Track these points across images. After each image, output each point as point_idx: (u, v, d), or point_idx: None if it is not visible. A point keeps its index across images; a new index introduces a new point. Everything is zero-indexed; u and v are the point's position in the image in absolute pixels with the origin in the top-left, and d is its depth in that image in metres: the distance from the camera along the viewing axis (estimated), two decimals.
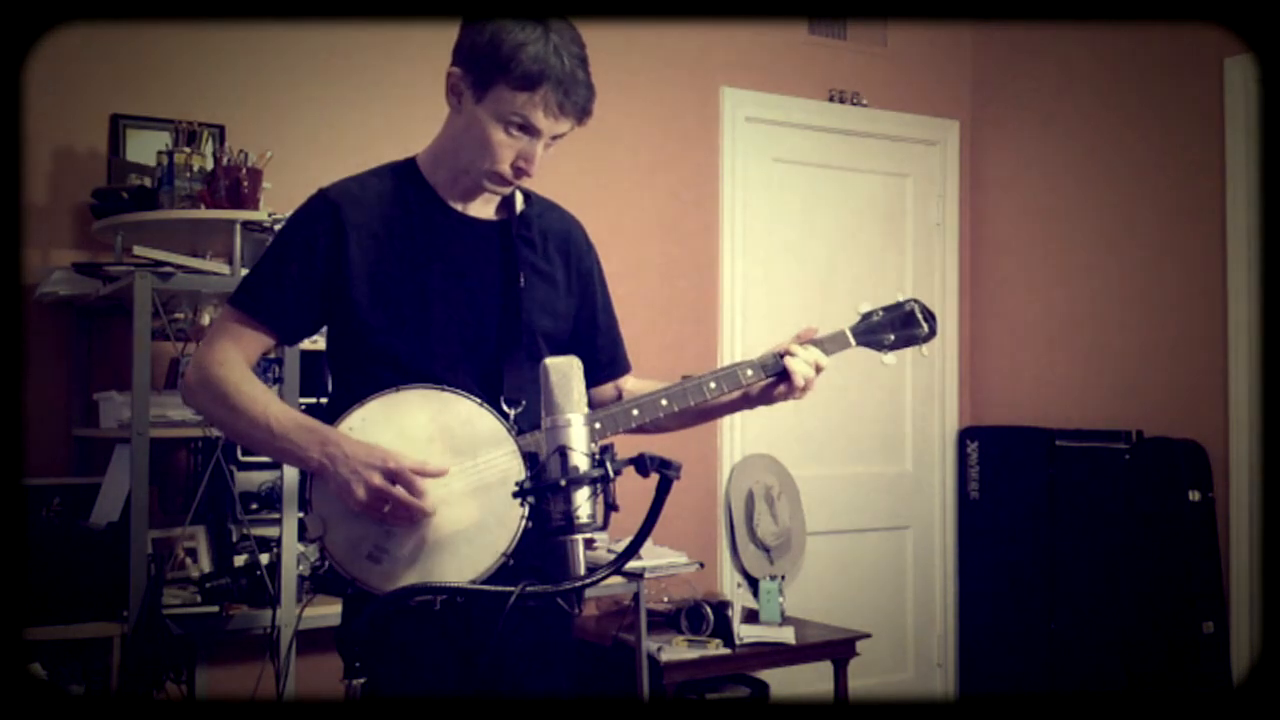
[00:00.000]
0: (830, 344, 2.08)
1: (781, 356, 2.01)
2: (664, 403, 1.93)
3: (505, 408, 1.88)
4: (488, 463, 1.83)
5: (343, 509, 1.80)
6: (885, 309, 2.16)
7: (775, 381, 2.02)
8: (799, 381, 2.00)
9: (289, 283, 1.91)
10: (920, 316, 2.17)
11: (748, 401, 2.06)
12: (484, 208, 2.01)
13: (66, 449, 3.52)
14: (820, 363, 2.02)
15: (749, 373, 2.00)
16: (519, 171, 1.91)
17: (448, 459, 1.82)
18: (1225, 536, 4.22)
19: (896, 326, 2.15)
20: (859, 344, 2.13)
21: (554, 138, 1.90)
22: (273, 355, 3.16)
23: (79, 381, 3.53)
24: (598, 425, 1.83)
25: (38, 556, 2.92)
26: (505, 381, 1.91)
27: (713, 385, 1.97)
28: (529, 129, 1.87)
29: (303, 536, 3.11)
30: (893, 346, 2.15)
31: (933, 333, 2.17)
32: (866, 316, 2.15)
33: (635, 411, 1.90)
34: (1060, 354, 4.85)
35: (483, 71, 1.85)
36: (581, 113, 1.88)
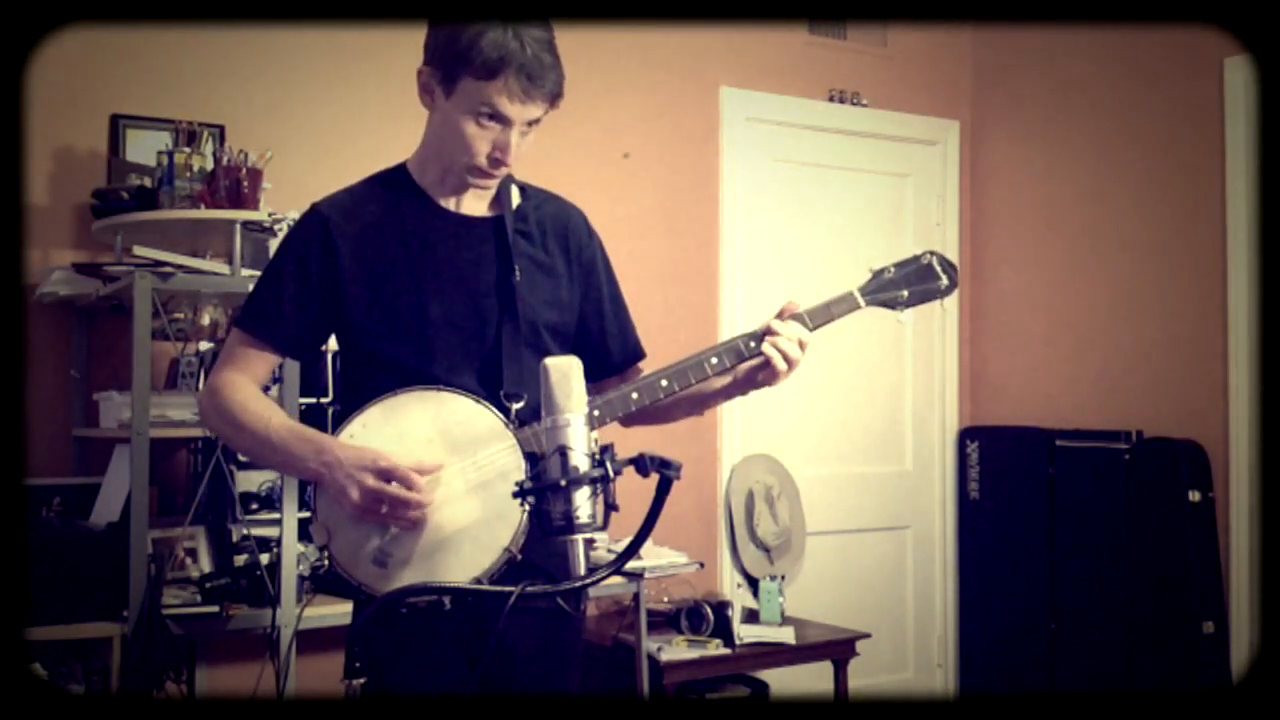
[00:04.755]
0: (837, 307, 2.01)
1: (763, 336, 1.94)
2: (664, 383, 1.91)
3: (505, 403, 1.88)
4: (487, 459, 1.83)
5: (345, 515, 1.80)
6: (899, 264, 2.05)
7: (761, 364, 1.94)
8: (780, 366, 1.93)
9: (287, 300, 1.94)
10: (939, 269, 2.06)
11: (737, 386, 1.99)
12: (477, 204, 2.01)
13: (66, 449, 3.52)
14: (803, 338, 1.94)
15: (752, 344, 1.94)
16: (495, 162, 1.90)
17: (446, 457, 1.83)
18: (1225, 536, 4.21)
19: (912, 281, 2.04)
20: (869, 304, 2.03)
21: (529, 124, 1.89)
22: None
23: (79, 381, 3.53)
24: (596, 412, 1.81)
25: (38, 556, 2.92)
26: (505, 376, 1.91)
27: (714, 360, 1.93)
28: (499, 117, 1.87)
29: (307, 541, 3.11)
30: (908, 303, 2.04)
31: (953, 284, 2.05)
32: (878, 274, 2.04)
33: (634, 395, 1.88)
34: (1060, 354, 4.85)
35: (448, 66, 1.87)
36: (550, 95, 1.87)
